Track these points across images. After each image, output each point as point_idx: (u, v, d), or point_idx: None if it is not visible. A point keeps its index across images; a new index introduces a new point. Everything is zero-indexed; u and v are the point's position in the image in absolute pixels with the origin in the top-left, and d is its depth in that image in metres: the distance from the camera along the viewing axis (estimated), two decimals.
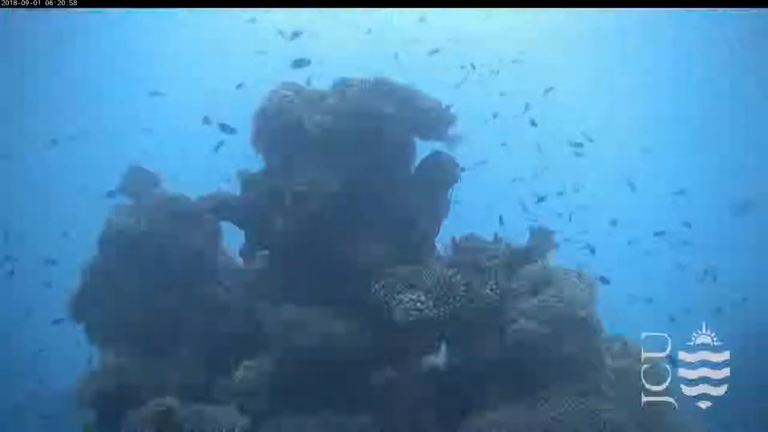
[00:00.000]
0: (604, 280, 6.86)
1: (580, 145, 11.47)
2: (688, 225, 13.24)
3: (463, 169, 5.98)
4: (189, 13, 16.29)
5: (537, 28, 17.70)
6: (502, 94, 13.59)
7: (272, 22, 11.19)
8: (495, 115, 12.68)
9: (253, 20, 13.76)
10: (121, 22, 17.79)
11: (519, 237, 5.62)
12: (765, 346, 10.58)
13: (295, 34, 9.01)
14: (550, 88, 14.34)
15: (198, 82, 19.85)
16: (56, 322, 10.41)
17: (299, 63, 7.07)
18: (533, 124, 8.70)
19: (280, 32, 10.40)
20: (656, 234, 13.64)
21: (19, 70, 17.15)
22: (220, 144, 7.94)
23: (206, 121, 7.81)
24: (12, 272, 12.88)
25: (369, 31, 13.20)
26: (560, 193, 11.99)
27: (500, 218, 8.97)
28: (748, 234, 19.12)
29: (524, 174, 13.58)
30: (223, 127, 6.87)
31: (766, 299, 14.20)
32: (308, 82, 6.03)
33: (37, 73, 18.13)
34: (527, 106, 12.09)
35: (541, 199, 10.78)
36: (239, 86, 10.72)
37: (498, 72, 13.48)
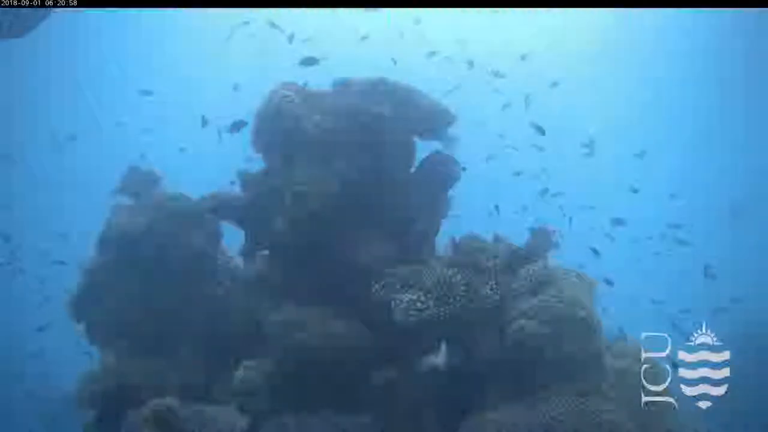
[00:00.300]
0: (609, 282, 6.86)
1: (588, 145, 11.47)
2: (687, 225, 13.24)
3: (464, 168, 5.99)
4: (188, 13, 16.30)
5: (539, 28, 17.73)
6: (496, 91, 13.59)
7: (271, 22, 11.19)
8: (505, 107, 12.66)
9: (247, 22, 13.73)
10: (120, 22, 17.82)
11: (519, 237, 5.62)
12: (765, 346, 10.59)
13: (293, 37, 8.97)
14: (555, 83, 14.34)
15: (198, 81, 19.88)
16: (40, 329, 10.46)
17: (307, 61, 7.05)
18: (541, 132, 8.66)
19: (272, 24, 10.34)
20: (657, 234, 13.66)
21: (19, 70, 17.16)
22: (219, 134, 7.72)
23: (204, 121, 7.75)
24: (14, 272, 12.89)
25: (366, 36, 13.16)
26: (560, 193, 11.99)
27: (496, 207, 8.95)
28: (748, 234, 19.12)
29: (525, 174, 13.57)
30: (237, 125, 6.59)
31: (766, 299, 14.20)
32: (305, 84, 6.01)
33: (37, 73, 18.14)
34: (528, 101, 12.05)
35: (543, 192, 10.77)
36: (235, 87, 10.70)
37: (498, 72, 13.48)
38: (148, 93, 13.14)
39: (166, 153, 12.49)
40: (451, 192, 6.03)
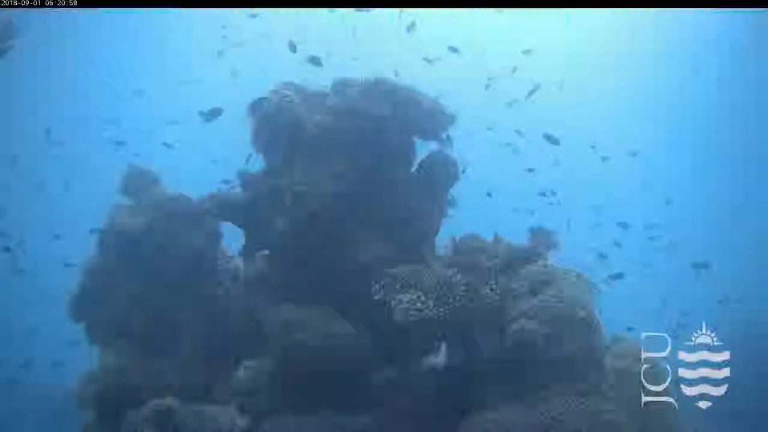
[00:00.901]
0: (619, 276, 6.83)
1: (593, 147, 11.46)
2: (686, 226, 13.26)
3: (464, 170, 6.00)
4: (188, 13, 16.31)
5: (540, 28, 17.73)
6: (487, 86, 13.56)
7: (251, 14, 11.12)
8: (511, 103, 12.62)
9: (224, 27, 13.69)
10: (120, 23, 17.82)
11: (519, 237, 5.62)
12: (765, 346, 10.60)
13: (293, 44, 8.91)
14: (562, 81, 14.32)
15: (198, 81, 19.87)
16: (32, 332, 10.39)
17: (311, 60, 7.04)
18: (553, 141, 8.65)
19: (252, 15, 10.24)
20: (658, 235, 13.66)
21: (19, 70, 17.16)
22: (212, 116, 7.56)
23: (212, 113, 7.66)
24: (14, 272, 12.89)
25: (366, 36, 13.11)
26: (559, 194, 11.98)
27: (489, 194, 8.89)
28: (748, 234, 19.13)
29: (523, 174, 13.56)
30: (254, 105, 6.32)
31: (766, 299, 14.21)
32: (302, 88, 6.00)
33: (36, 73, 18.15)
34: (532, 92, 12.00)
35: (543, 194, 10.77)
36: (234, 84, 10.62)
37: (499, 73, 13.48)
38: (145, 93, 13.15)
39: (163, 153, 12.50)
40: (451, 192, 6.04)
